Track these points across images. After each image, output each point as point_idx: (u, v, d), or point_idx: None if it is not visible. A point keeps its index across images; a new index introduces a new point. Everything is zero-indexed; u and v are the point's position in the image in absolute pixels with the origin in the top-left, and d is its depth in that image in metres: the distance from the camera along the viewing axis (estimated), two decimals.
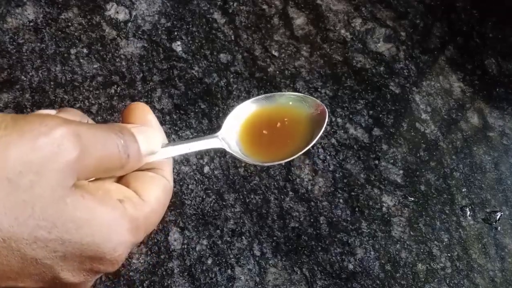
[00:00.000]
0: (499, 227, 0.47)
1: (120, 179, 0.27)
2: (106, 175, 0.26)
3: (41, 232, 0.21)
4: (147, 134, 0.28)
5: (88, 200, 0.23)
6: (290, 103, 0.35)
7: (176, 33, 0.51)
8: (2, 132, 0.20)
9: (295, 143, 0.34)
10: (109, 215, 0.24)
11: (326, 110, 0.34)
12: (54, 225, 0.21)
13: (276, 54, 0.51)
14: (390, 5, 0.55)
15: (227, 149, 0.31)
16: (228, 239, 0.43)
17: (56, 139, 0.21)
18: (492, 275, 0.45)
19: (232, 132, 0.33)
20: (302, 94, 0.35)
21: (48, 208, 0.21)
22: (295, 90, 0.50)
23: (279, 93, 0.36)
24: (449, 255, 0.45)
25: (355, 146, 0.48)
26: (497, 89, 0.53)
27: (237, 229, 0.44)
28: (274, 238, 0.44)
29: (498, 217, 0.47)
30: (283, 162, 0.34)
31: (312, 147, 0.47)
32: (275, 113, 0.35)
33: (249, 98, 0.49)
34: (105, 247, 0.23)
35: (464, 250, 0.45)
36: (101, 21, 0.50)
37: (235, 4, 0.53)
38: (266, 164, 0.36)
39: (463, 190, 0.48)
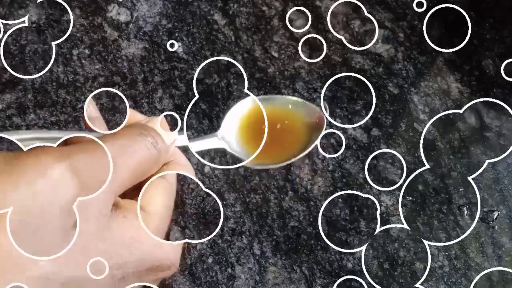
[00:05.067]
0: (496, 226, 0.47)
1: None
2: (143, 178, 0.25)
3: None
4: (162, 123, 0.28)
5: (130, 218, 0.23)
6: (290, 106, 0.34)
7: (177, 34, 0.51)
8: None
9: (293, 146, 0.33)
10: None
11: (324, 117, 0.32)
12: (109, 256, 0.21)
13: (276, 55, 0.52)
14: (388, 7, 0.56)
15: (228, 149, 0.30)
16: (228, 238, 0.44)
17: (104, 164, 0.21)
18: (489, 274, 0.45)
19: (232, 131, 0.32)
20: (302, 100, 0.33)
21: (98, 241, 0.21)
22: (295, 91, 0.50)
23: (279, 96, 0.34)
24: (446, 254, 0.45)
25: (354, 146, 0.49)
26: (494, 90, 0.54)
27: (237, 228, 0.44)
28: (274, 237, 0.44)
29: (495, 216, 0.48)
30: (276, 166, 0.32)
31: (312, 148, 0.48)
32: (274, 114, 0.33)
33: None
34: (158, 255, 0.24)
35: (461, 249, 0.46)
36: (103, 22, 0.50)
37: (235, 6, 0.53)
38: (259, 167, 0.35)
39: (461, 189, 0.48)
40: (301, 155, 0.32)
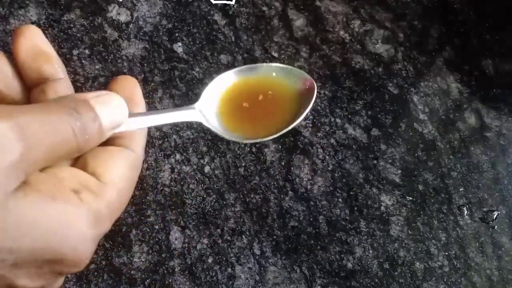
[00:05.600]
0: (496, 226, 0.47)
1: (76, 160, 0.24)
2: (61, 160, 0.23)
3: None
4: (111, 105, 0.24)
5: (33, 198, 0.20)
6: (275, 74, 0.31)
7: (177, 34, 0.51)
8: None
9: (279, 119, 0.31)
10: (61, 210, 0.21)
11: (315, 84, 0.30)
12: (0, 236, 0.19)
13: (276, 55, 0.52)
14: (388, 7, 0.56)
15: (205, 123, 0.28)
16: (229, 238, 0.44)
17: None
18: (489, 274, 0.45)
19: (211, 104, 0.30)
20: (290, 66, 0.31)
21: None
22: None
23: (264, 64, 0.32)
24: (446, 253, 0.46)
25: (354, 146, 0.49)
26: (494, 90, 0.54)
27: (237, 228, 0.44)
28: (274, 237, 0.44)
29: (495, 216, 0.48)
30: (264, 140, 0.30)
31: (312, 146, 0.48)
32: (258, 84, 0.31)
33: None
34: (62, 248, 0.21)
35: (461, 249, 0.46)
36: (103, 22, 0.50)
37: (235, 6, 0.53)
38: (246, 141, 0.33)
39: (461, 189, 0.48)
40: (293, 125, 0.30)
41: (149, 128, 0.47)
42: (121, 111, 0.24)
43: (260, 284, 0.43)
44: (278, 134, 0.30)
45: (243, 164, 0.46)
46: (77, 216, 0.21)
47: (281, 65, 0.31)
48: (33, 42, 0.25)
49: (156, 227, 0.43)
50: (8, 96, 0.25)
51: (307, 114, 0.30)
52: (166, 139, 0.46)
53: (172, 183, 0.45)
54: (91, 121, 0.22)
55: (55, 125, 0.21)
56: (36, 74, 0.25)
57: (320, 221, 0.45)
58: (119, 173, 0.24)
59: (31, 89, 0.26)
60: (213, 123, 0.29)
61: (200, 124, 0.29)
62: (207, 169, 0.46)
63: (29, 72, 0.25)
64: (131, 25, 0.51)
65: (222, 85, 0.31)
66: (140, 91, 0.27)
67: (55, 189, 0.21)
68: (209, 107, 0.29)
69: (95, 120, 0.23)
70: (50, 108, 0.21)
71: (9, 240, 0.19)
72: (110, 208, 0.23)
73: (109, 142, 0.25)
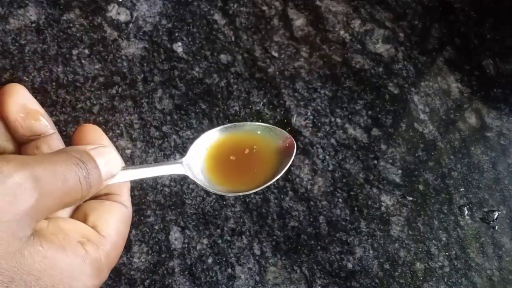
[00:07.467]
0: (496, 226, 0.47)
1: (76, 210, 0.26)
2: (66, 207, 0.24)
3: None
4: (108, 156, 0.26)
5: (47, 249, 0.21)
6: (259, 132, 0.34)
7: (176, 34, 0.51)
8: None
9: (263, 172, 0.33)
10: (70, 262, 0.22)
11: (294, 142, 0.33)
12: (11, 280, 0.20)
13: (276, 55, 0.52)
14: (389, 7, 0.56)
15: (191, 176, 0.31)
16: (229, 238, 0.44)
17: (12, 187, 0.20)
18: (490, 274, 0.45)
19: (198, 159, 0.32)
20: (272, 126, 0.34)
21: (4, 262, 0.20)
22: (295, 91, 0.50)
23: (248, 122, 0.35)
24: (447, 254, 0.45)
25: (354, 146, 0.49)
26: (495, 90, 0.54)
27: (237, 229, 0.44)
28: (274, 237, 0.44)
29: (495, 216, 0.47)
30: (249, 192, 0.32)
31: (312, 146, 0.48)
32: (243, 140, 0.34)
33: (249, 98, 0.49)
34: None
35: (462, 249, 0.46)
36: (103, 22, 0.50)
37: (235, 6, 0.53)
38: (230, 195, 0.36)
39: (461, 189, 0.48)
40: (273, 181, 0.32)
41: (148, 128, 0.47)
42: (116, 162, 0.26)
43: (260, 285, 0.43)
44: (259, 188, 0.32)
45: None
46: (82, 267, 0.23)
47: (264, 124, 0.34)
48: (21, 101, 0.26)
49: (156, 227, 0.43)
50: (4, 152, 0.27)
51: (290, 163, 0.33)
52: (166, 139, 0.46)
53: (172, 183, 0.45)
54: (93, 169, 0.24)
55: (65, 175, 0.22)
56: (28, 132, 0.27)
57: (320, 221, 0.45)
58: (115, 227, 0.26)
59: (22, 146, 0.27)
60: (199, 177, 0.31)
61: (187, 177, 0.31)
62: None
63: (21, 131, 0.26)
64: (130, 25, 0.51)
65: (209, 141, 0.33)
66: (107, 138, 0.29)
67: (65, 241, 0.23)
68: (196, 162, 0.32)
69: (96, 168, 0.24)
70: (60, 159, 0.23)
71: (22, 285, 0.20)
72: (108, 259, 0.25)
73: (102, 198, 0.27)
